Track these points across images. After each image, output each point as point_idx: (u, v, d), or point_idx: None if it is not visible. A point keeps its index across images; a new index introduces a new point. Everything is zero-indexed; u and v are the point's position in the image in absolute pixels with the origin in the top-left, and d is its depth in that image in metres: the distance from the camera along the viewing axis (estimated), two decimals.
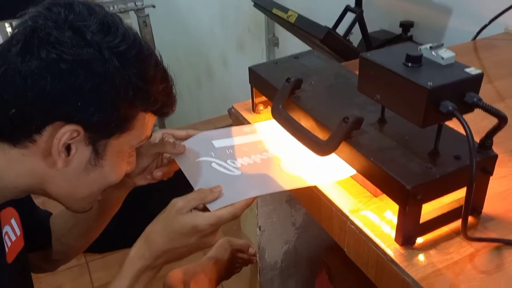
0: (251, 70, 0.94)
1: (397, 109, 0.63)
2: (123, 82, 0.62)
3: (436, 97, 0.58)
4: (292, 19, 1.31)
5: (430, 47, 0.64)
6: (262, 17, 2.68)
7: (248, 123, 0.96)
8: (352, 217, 0.70)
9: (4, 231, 0.73)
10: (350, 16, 1.61)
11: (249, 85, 0.97)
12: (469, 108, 0.60)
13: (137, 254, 0.70)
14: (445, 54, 0.62)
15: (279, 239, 1.14)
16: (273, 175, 0.77)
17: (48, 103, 0.60)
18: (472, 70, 0.60)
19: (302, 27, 1.29)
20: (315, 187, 0.76)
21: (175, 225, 0.68)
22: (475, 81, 0.60)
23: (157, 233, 0.70)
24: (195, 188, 0.74)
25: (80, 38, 0.60)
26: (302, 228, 1.15)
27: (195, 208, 0.70)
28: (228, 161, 0.80)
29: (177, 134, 0.87)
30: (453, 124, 0.62)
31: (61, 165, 0.64)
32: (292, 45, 2.54)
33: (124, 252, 2.25)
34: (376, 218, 0.70)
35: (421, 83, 0.57)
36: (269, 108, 0.97)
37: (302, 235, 1.16)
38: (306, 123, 0.77)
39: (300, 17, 1.31)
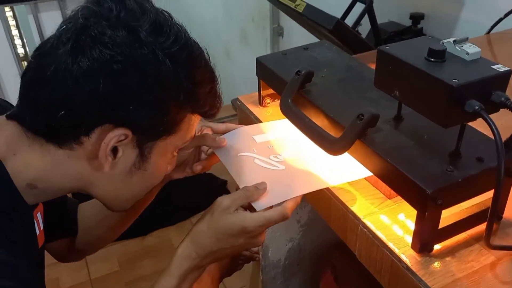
0: (258, 61, 0.90)
1: (418, 107, 0.59)
2: (175, 85, 0.60)
3: (461, 95, 0.53)
4: (300, 9, 1.27)
5: (454, 41, 0.59)
6: (267, 6, 2.62)
7: (254, 116, 0.92)
8: (365, 220, 0.67)
9: None
10: (359, 7, 1.56)
11: (253, 76, 0.92)
12: (495, 108, 0.56)
13: (183, 254, 0.68)
14: (470, 49, 0.58)
15: (283, 236, 1.10)
16: (318, 170, 0.73)
17: (99, 105, 0.57)
18: (500, 67, 0.56)
19: (310, 17, 1.25)
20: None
21: (222, 226, 0.66)
22: (503, 79, 0.56)
23: (203, 233, 0.67)
24: (239, 184, 0.72)
25: (134, 38, 0.57)
26: (307, 225, 1.12)
27: (241, 207, 0.68)
28: (271, 157, 0.78)
29: (216, 128, 0.85)
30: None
31: (107, 169, 0.62)
32: (297, 35, 2.49)
33: (122, 244, 2.23)
34: (390, 222, 0.66)
35: (446, 80, 0.53)
36: (277, 102, 0.93)
37: (306, 232, 1.13)
38: (317, 119, 0.73)
39: (308, 7, 1.27)
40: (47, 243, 0.79)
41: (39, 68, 0.58)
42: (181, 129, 0.65)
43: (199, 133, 0.83)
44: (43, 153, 0.61)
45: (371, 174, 0.67)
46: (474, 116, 0.54)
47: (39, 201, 0.69)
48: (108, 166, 0.62)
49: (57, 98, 0.57)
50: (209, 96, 0.66)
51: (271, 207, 0.67)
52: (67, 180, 0.64)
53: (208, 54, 0.66)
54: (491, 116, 0.54)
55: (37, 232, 0.72)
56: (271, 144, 0.81)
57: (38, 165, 0.61)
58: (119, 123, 0.59)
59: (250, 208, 0.68)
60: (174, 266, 0.68)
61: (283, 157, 0.78)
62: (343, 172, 0.72)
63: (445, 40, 0.60)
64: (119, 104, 0.58)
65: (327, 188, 0.72)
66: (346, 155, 0.69)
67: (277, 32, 2.70)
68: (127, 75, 0.57)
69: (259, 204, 0.68)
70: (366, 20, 1.56)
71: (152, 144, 0.63)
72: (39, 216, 0.74)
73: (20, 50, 2.89)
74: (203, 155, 0.85)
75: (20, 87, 0.60)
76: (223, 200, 0.67)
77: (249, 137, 0.83)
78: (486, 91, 0.55)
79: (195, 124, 0.68)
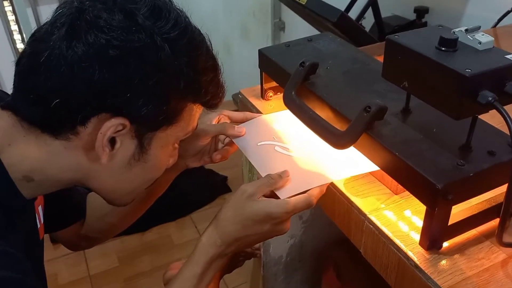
0: (261, 53, 0.88)
1: (428, 99, 0.57)
2: (175, 72, 0.57)
3: (474, 85, 0.51)
4: (304, 1, 1.24)
5: (466, 30, 0.57)
6: (268, 0, 2.60)
7: (257, 110, 0.90)
8: (370, 216, 0.65)
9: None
10: (362, 0, 1.54)
11: (254, 72, 0.90)
12: (509, 99, 0.54)
13: (208, 241, 0.66)
14: (483, 38, 0.56)
15: None
16: (338, 159, 0.71)
17: (95, 94, 0.55)
18: None
19: (314, 9, 1.22)
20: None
21: (247, 212, 0.64)
22: None
23: (229, 220, 0.66)
24: (261, 173, 0.71)
25: (132, 22, 0.55)
26: (309, 222, 1.10)
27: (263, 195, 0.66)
28: (292, 142, 0.76)
29: (234, 116, 0.83)
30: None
31: (105, 160, 0.60)
32: (299, 30, 2.46)
33: (122, 240, 2.22)
34: (396, 218, 0.64)
35: (459, 70, 0.51)
36: (279, 95, 0.91)
37: (308, 229, 1.11)
38: (322, 112, 0.71)
39: None
40: (57, 232, 0.80)
41: (33, 55, 0.55)
42: (182, 119, 0.62)
43: (218, 122, 0.82)
44: (39, 144, 0.59)
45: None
46: (487, 107, 0.52)
47: (37, 195, 0.66)
48: (106, 158, 0.59)
49: (52, 85, 0.55)
50: (212, 85, 0.63)
51: (295, 194, 0.66)
52: (65, 172, 0.62)
53: (210, 42, 0.64)
54: (505, 108, 0.52)
55: (38, 226, 0.71)
56: (291, 131, 0.79)
57: (34, 157, 0.59)
58: (116, 112, 0.56)
59: (272, 196, 0.67)
60: (199, 254, 0.66)
61: (303, 144, 0.75)
62: (363, 161, 0.68)
63: (457, 29, 0.58)
64: (116, 92, 0.55)
65: (332, 183, 0.70)
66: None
67: (279, 26, 2.67)
68: (124, 61, 0.54)
69: (283, 192, 0.66)
70: (369, 14, 1.54)
71: (152, 135, 0.61)
72: (40, 209, 0.72)
73: (20, 45, 2.86)
74: (220, 144, 0.83)
75: (15, 75, 0.58)
76: (248, 187, 0.66)
77: (269, 126, 0.81)
78: (500, 82, 0.53)
79: (197, 114, 0.66)
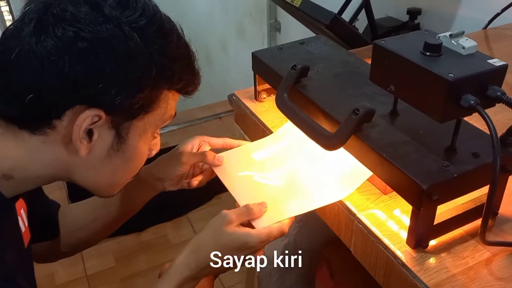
0: (254, 55, 0.89)
1: (413, 102, 0.59)
2: (146, 60, 0.58)
3: (457, 90, 0.53)
4: (297, 3, 1.26)
5: (450, 35, 0.59)
6: (264, 1, 2.61)
7: (250, 111, 0.92)
8: (360, 215, 0.66)
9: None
10: (356, 2, 1.56)
11: (250, 71, 0.92)
12: (491, 102, 0.56)
13: (183, 262, 0.68)
14: (466, 43, 0.58)
15: None
16: (314, 187, 0.74)
17: (67, 86, 0.55)
18: (496, 61, 0.56)
19: (307, 12, 1.24)
20: None
21: (225, 239, 0.67)
22: (499, 74, 0.56)
23: (206, 244, 0.68)
24: (240, 203, 0.73)
25: (98, 13, 0.55)
26: (303, 222, 1.11)
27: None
28: (270, 172, 0.79)
29: (213, 142, 0.86)
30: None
31: (83, 152, 0.60)
32: (294, 30, 2.48)
33: (118, 240, 2.22)
34: (385, 217, 0.66)
35: (442, 74, 0.53)
36: (273, 96, 0.92)
37: (302, 229, 1.12)
38: (313, 114, 0.72)
39: (305, 1, 1.26)
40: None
41: (4, 52, 0.56)
42: (158, 107, 0.62)
43: (198, 148, 0.85)
44: (17, 142, 0.59)
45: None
46: (470, 111, 0.54)
47: (17, 193, 0.65)
48: (85, 150, 0.60)
49: (24, 81, 0.55)
50: (185, 72, 0.64)
51: None
52: (45, 167, 0.62)
53: (181, 29, 0.64)
54: (487, 111, 0.53)
55: (23, 229, 0.70)
56: (271, 160, 0.82)
57: (13, 155, 0.59)
58: (90, 104, 0.56)
59: (249, 225, 0.70)
60: (173, 273, 0.68)
61: (282, 173, 0.78)
62: (343, 186, 0.71)
63: (441, 34, 0.59)
64: (88, 84, 0.55)
65: None
66: (342, 172, 0.72)
67: (275, 27, 2.69)
68: (94, 53, 0.55)
69: (260, 223, 0.69)
70: (363, 15, 1.56)
71: (129, 125, 0.61)
72: (23, 213, 0.72)
73: None
74: (197, 170, 0.86)
75: None
76: (228, 214, 0.68)
77: (248, 156, 0.83)
78: (482, 86, 0.55)
79: (174, 102, 0.66)
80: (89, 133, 0.59)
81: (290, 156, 0.81)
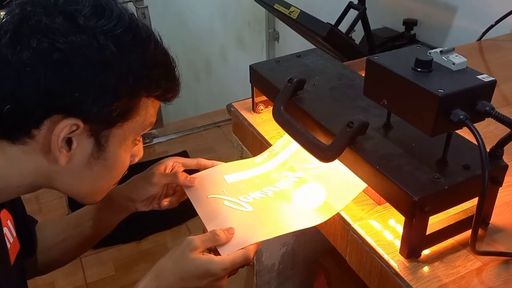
0: (252, 68, 0.91)
1: (405, 116, 0.61)
2: (122, 68, 0.58)
3: (447, 105, 0.55)
4: (294, 15, 1.28)
5: (441, 52, 0.61)
6: (263, 11, 2.64)
7: (248, 123, 0.94)
8: (355, 225, 0.68)
9: (4, 233, 0.70)
10: (352, 13, 1.58)
11: (248, 80, 0.94)
12: (481, 117, 0.57)
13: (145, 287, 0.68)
14: (456, 59, 0.60)
15: (277, 241, 1.11)
16: (284, 213, 0.74)
17: (44, 97, 0.56)
18: (485, 77, 0.57)
19: (304, 24, 1.26)
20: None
21: (187, 266, 0.67)
22: (488, 89, 0.57)
23: (168, 269, 0.68)
24: (207, 227, 0.73)
25: (72, 24, 0.56)
26: (301, 231, 1.12)
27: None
28: (240, 197, 0.78)
29: (187, 163, 0.85)
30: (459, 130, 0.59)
31: (63, 161, 0.60)
32: (293, 40, 2.51)
33: (118, 248, 2.22)
34: (379, 227, 0.67)
35: (432, 90, 0.55)
36: (270, 108, 0.94)
37: (300, 237, 1.14)
38: (309, 126, 0.74)
39: (302, 14, 1.28)
40: None
41: None
42: (137, 114, 0.63)
43: (172, 169, 0.83)
44: None
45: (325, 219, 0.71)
46: (460, 125, 0.55)
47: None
48: (64, 159, 0.60)
49: (1, 92, 0.56)
50: (164, 79, 0.64)
51: None
52: (27, 176, 0.62)
53: (160, 37, 0.64)
54: (477, 124, 0.55)
55: (11, 239, 0.70)
56: (242, 184, 0.81)
57: None
58: (68, 113, 0.57)
59: (215, 251, 0.70)
60: None
61: (252, 198, 0.78)
62: (310, 216, 0.72)
63: (432, 51, 0.61)
64: (64, 93, 0.56)
65: None
66: (310, 203, 0.73)
67: (273, 36, 2.72)
68: (69, 63, 0.55)
69: (225, 249, 0.69)
70: (360, 26, 1.58)
71: (108, 132, 0.62)
72: (9, 223, 0.72)
73: None
74: (169, 191, 0.85)
75: None
76: (192, 241, 0.68)
77: (220, 178, 0.82)
78: (472, 101, 0.56)
79: (154, 109, 0.66)
80: (68, 141, 0.60)
81: (265, 181, 0.81)
